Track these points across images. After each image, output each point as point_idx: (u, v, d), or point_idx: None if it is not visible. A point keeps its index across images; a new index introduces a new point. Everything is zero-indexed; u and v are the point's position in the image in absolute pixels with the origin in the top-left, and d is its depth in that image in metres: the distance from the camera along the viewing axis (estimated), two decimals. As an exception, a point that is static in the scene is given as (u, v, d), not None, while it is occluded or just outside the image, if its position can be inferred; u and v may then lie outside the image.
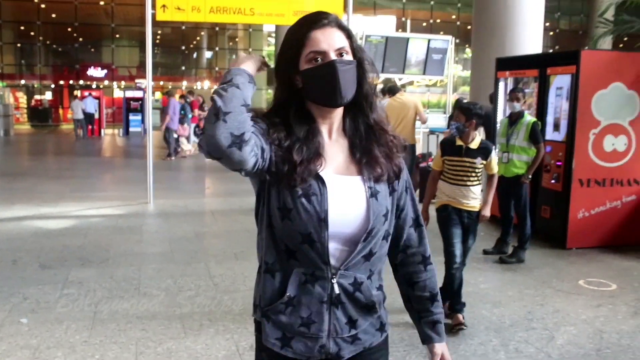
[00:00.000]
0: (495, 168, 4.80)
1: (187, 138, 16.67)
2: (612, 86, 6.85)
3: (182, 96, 17.56)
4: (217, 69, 36.72)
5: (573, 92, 6.80)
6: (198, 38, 37.32)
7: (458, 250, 4.62)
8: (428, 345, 1.83)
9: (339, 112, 1.69)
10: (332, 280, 1.63)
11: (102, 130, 25.77)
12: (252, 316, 1.76)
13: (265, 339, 1.68)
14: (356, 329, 1.69)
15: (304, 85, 1.64)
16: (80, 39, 35.22)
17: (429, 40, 22.11)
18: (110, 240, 6.96)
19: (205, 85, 36.34)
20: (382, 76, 24.02)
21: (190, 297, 5.07)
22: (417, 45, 21.91)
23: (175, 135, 15.90)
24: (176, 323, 4.47)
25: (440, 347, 1.82)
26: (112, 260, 6.10)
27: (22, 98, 33.88)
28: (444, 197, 4.71)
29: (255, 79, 1.60)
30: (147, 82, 9.77)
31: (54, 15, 34.48)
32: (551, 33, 40.56)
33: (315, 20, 1.64)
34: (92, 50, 36.58)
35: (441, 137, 9.37)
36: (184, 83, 36.16)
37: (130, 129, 25.09)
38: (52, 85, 35.53)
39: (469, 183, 4.63)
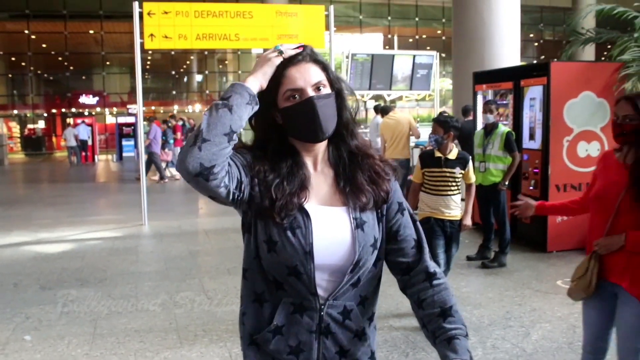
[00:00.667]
0: (472, 177, 5.09)
1: (172, 162, 16.86)
2: (582, 95, 7.18)
3: (164, 121, 17.86)
4: (207, 92, 37.11)
5: (545, 102, 7.12)
6: (188, 62, 37.74)
7: (441, 260, 4.91)
8: None
9: (323, 144, 1.68)
10: (321, 312, 1.62)
11: (96, 157, 26.02)
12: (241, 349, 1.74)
13: None
14: (346, 358, 1.67)
15: (284, 121, 1.64)
16: (71, 68, 35.55)
17: (414, 56, 22.53)
18: (107, 261, 7.21)
19: (196, 108, 36.70)
20: (370, 93, 24.49)
21: (186, 310, 5.33)
22: (403, 62, 22.33)
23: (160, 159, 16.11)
24: (172, 334, 4.73)
25: None
26: (110, 280, 6.35)
27: (15, 127, 34.13)
28: (427, 209, 4.97)
29: (257, 98, 1.58)
30: (138, 107, 10.08)
31: (44, 46, 34.89)
32: (535, 44, 41.21)
33: (291, 57, 1.62)
34: (84, 78, 36.94)
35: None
36: (175, 107, 36.49)
37: (124, 154, 25.34)
38: (45, 114, 35.82)
39: (450, 192, 4.90)
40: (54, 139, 34.35)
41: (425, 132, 11.59)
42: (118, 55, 35.58)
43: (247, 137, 1.75)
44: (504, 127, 6.74)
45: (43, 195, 14.69)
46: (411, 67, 22.33)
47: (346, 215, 1.64)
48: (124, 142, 25.49)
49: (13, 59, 35.39)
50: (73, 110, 34.77)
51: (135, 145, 24.74)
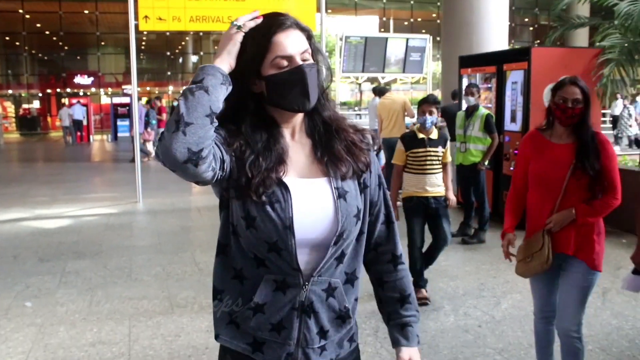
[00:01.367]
0: (449, 156, 5.34)
1: (153, 142, 17.15)
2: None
3: (148, 101, 18.09)
4: (202, 73, 37.16)
5: (526, 86, 7.40)
6: (183, 43, 37.76)
7: (418, 236, 5.14)
8: (396, 348, 1.74)
9: (301, 114, 1.64)
10: (305, 288, 1.57)
11: (91, 137, 26.21)
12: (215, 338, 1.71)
13: (237, 345, 1.64)
14: (326, 339, 1.64)
15: (268, 90, 1.57)
16: (66, 48, 35.60)
17: (407, 40, 22.79)
18: (102, 236, 7.50)
19: (191, 89, 36.73)
20: (364, 75, 24.69)
21: (177, 280, 5.62)
22: (396, 45, 22.58)
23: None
24: (164, 301, 5.02)
25: (407, 352, 1.72)
26: (105, 253, 6.64)
27: (10, 107, 34.23)
28: (411, 188, 5.16)
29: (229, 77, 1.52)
30: (133, 88, 10.31)
31: (39, 25, 34.83)
32: (531, 28, 41.36)
33: (278, 23, 1.56)
34: (78, 58, 37.00)
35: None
36: (170, 88, 36.61)
37: (119, 134, 25.52)
38: (40, 94, 35.90)
39: (434, 171, 5.12)
40: (49, 119, 34.50)
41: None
42: (113, 36, 35.59)
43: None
44: (484, 110, 7.01)
45: (39, 174, 14.94)
46: (404, 50, 22.58)
47: (327, 185, 1.60)
48: (119, 123, 25.63)
49: (7, 38, 35.35)
50: (68, 90, 34.89)
51: (130, 126, 24.94)
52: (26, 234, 7.63)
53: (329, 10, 35.76)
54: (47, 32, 34.89)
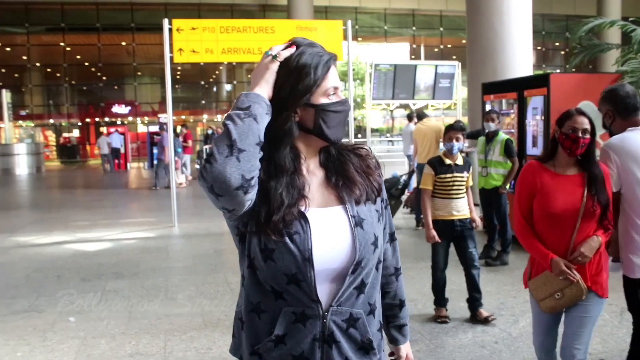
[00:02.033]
0: (471, 181, 5.55)
1: (180, 168, 17.70)
2: (581, 104, 7.61)
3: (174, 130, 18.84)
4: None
5: (546, 111, 7.61)
6: (217, 72, 38.71)
7: (442, 259, 5.34)
8: (395, 346, 1.92)
9: (319, 146, 1.66)
10: (325, 319, 1.55)
11: (128, 164, 26.96)
12: None
13: None
14: None
15: (316, 119, 1.57)
16: (104, 78, 36.85)
17: (436, 66, 23.01)
18: (140, 258, 7.88)
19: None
20: (395, 102, 25.02)
21: (210, 299, 5.94)
22: (425, 72, 22.81)
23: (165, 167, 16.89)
24: (198, 318, 5.34)
25: (405, 348, 1.91)
26: (142, 274, 7.01)
27: (51, 136, 35.48)
28: (437, 212, 5.32)
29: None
30: (168, 117, 10.80)
31: (78, 57, 36.17)
32: (562, 52, 41.30)
33: (330, 55, 1.60)
34: (116, 88, 38.19)
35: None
36: (205, 116, 37.44)
37: (155, 162, 26.16)
38: (79, 123, 37.13)
39: (459, 196, 5.32)
40: (87, 147, 35.56)
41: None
42: (149, 66, 36.69)
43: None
44: (503, 135, 7.25)
45: (79, 200, 15.53)
46: (433, 76, 22.78)
47: (344, 214, 1.60)
48: (155, 150, 26.28)
49: (49, 70, 36.73)
50: (106, 119, 36.05)
51: (160, 153, 25.64)
52: (68, 256, 8.06)
53: (360, 39, 36.40)
54: (86, 64, 36.21)
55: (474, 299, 5.29)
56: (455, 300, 5.62)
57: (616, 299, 5.58)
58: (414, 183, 10.02)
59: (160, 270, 7.20)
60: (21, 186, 20.41)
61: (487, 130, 7.30)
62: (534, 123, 7.99)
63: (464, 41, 39.09)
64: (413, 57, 36.34)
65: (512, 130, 8.34)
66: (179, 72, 34.66)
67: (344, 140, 1.73)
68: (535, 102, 7.93)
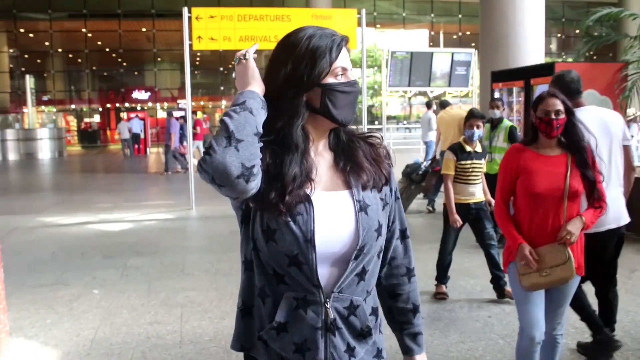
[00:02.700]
0: (485, 166, 5.74)
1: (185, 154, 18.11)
2: (586, 92, 7.79)
3: (183, 117, 19.27)
4: (254, 87, 38.25)
5: (551, 99, 7.84)
6: (235, 59, 38.97)
7: (451, 240, 5.61)
8: (409, 356, 1.80)
9: (329, 129, 1.66)
10: (326, 305, 1.54)
11: (148, 149, 27.48)
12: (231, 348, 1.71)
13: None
14: (355, 357, 1.61)
15: (322, 99, 1.56)
16: (125, 64, 37.38)
17: (452, 54, 23.12)
18: (159, 237, 8.27)
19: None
20: (412, 90, 25.18)
21: (225, 275, 6.30)
22: (442, 59, 22.90)
23: (173, 152, 17.44)
24: (212, 292, 5.70)
25: (420, 359, 1.81)
26: (161, 252, 7.39)
27: (73, 121, 36.17)
28: (455, 196, 5.48)
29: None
30: (187, 103, 11.17)
31: (99, 43, 36.68)
32: (583, 40, 41.01)
33: (342, 36, 1.61)
34: (136, 74, 38.72)
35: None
36: (224, 102, 37.84)
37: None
38: (100, 109, 37.75)
39: (477, 181, 5.51)
40: (108, 132, 36.16)
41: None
42: (169, 52, 37.10)
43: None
44: (507, 122, 7.50)
45: (100, 183, 16.00)
46: (450, 64, 22.87)
47: (349, 198, 1.59)
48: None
49: (70, 56, 37.31)
50: (126, 104, 36.59)
51: (181, 139, 26.10)
52: (91, 235, 8.48)
53: (378, 25, 36.49)
54: (107, 50, 36.69)
55: (497, 278, 5.43)
56: (455, 279, 5.92)
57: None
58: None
59: (178, 249, 7.58)
60: (44, 170, 21.00)
61: (492, 117, 7.55)
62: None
63: (482, 28, 38.57)
64: (431, 44, 36.35)
65: (519, 118, 8.59)
66: (198, 59, 35.03)
67: (357, 127, 1.75)
68: (541, 90, 8.13)
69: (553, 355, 3.38)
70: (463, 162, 5.47)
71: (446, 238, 5.63)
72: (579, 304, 4.04)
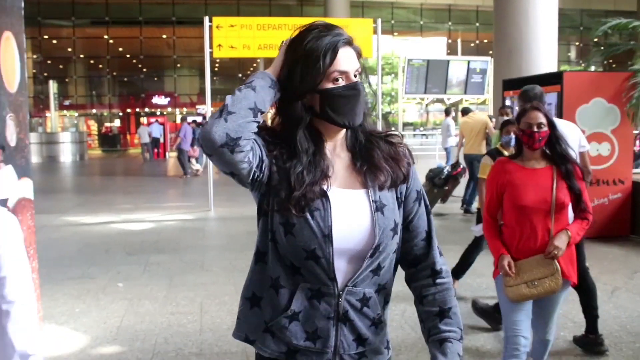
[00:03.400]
0: None
1: (197, 159, 18.75)
2: (593, 101, 8.10)
3: (194, 121, 19.98)
4: (272, 94, 38.71)
5: (559, 107, 8.08)
6: (254, 65, 39.45)
7: (484, 243, 5.73)
8: None
9: (344, 129, 1.67)
10: (340, 298, 1.58)
11: (167, 153, 27.94)
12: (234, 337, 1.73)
13: (271, 352, 1.64)
14: (364, 346, 1.65)
15: (321, 104, 1.58)
16: (145, 70, 38.00)
17: (468, 62, 23.42)
18: (179, 236, 8.62)
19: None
20: (426, 97, 25.42)
21: (242, 271, 6.59)
22: (458, 67, 23.23)
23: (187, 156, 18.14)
24: (230, 286, 6.01)
25: None
26: (182, 250, 7.73)
27: (94, 126, 36.81)
28: None
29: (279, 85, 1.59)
30: (207, 108, 11.55)
31: (121, 49, 37.37)
32: (602, 47, 40.97)
33: (340, 38, 1.57)
34: (156, 79, 39.31)
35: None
36: (241, 108, 38.20)
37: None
38: (120, 113, 38.44)
39: None
40: (128, 137, 36.74)
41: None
42: (188, 59, 37.67)
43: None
44: (516, 128, 7.74)
45: (121, 186, 16.45)
46: (466, 72, 23.17)
47: (365, 198, 1.61)
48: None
49: (92, 61, 38.03)
50: (146, 110, 37.17)
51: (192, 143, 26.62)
52: (114, 234, 8.85)
53: (395, 33, 36.79)
54: (128, 56, 37.36)
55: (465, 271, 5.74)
56: (465, 277, 6.18)
57: (611, 280, 6.12)
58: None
59: (198, 247, 7.91)
60: (66, 172, 21.52)
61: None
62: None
63: (499, 37, 38.56)
64: (449, 51, 36.56)
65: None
66: (217, 65, 35.53)
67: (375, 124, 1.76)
68: (549, 98, 8.39)
69: (544, 349, 3.46)
70: None
71: (479, 240, 5.85)
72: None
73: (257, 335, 1.66)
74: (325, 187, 1.58)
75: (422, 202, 1.72)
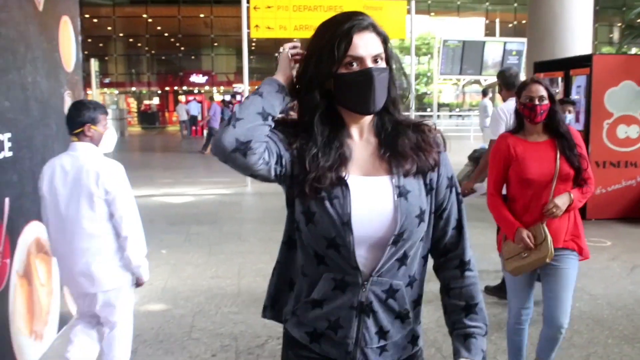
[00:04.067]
0: None
1: None
2: (622, 84, 8.23)
3: (223, 101, 20.43)
4: (307, 73, 38.97)
5: (588, 89, 8.24)
6: (290, 44, 39.71)
7: None
8: (455, 359, 1.66)
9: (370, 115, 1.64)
10: (364, 288, 1.57)
11: (205, 131, 28.48)
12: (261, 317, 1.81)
13: (297, 332, 1.68)
14: (386, 340, 1.63)
15: (335, 89, 1.58)
16: (183, 49, 38.54)
17: (504, 43, 23.32)
18: (217, 209, 9.09)
19: (296, 88, 38.67)
20: (462, 77, 25.41)
21: (277, 242, 6.89)
22: (493, 48, 23.16)
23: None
24: (266, 255, 6.38)
25: None
26: (220, 222, 8.18)
27: (133, 103, 37.60)
28: None
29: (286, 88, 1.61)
30: (245, 87, 11.94)
31: (159, 28, 37.90)
32: (625, 33, 40.08)
33: (356, 23, 1.55)
34: (193, 58, 39.85)
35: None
36: (277, 87, 38.54)
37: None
38: (159, 91, 39.09)
39: None
40: (166, 114, 37.45)
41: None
42: (225, 37, 38.03)
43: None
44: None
45: (161, 162, 17.03)
46: (502, 53, 23.08)
47: (388, 183, 1.58)
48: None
49: (131, 40, 38.67)
50: (184, 88, 37.76)
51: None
52: (156, 206, 9.34)
53: (432, 13, 36.60)
54: (166, 35, 37.89)
55: None
56: (485, 252, 6.43)
57: (631, 258, 6.34)
58: None
59: (235, 219, 8.34)
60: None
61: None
62: (577, 100, 8.61)
63: (537, 17, 38.09)
64: (487, 32, 36.23)
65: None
66: (254, 44, 35.84)
67: (408, 114, 1.73)
68: (579, 80, 8.56)
69: (553, 344, 3.32)
70: None
71: None
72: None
73: (288, 315, 1.70)
74: (343, 174, 1.57)
75: (454, 189, 1.68)
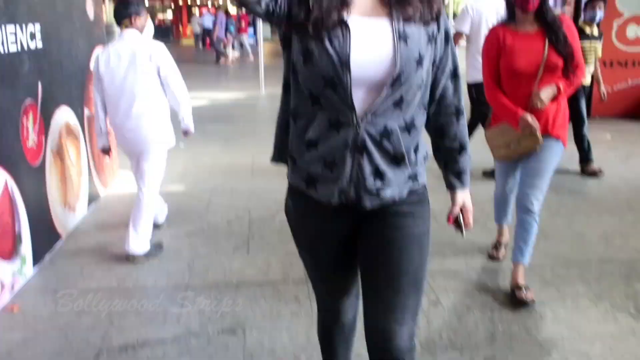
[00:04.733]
0: (600, 52, 5.85)
1: (232, 46, 20.08)
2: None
3: (226, 12, 20.82)
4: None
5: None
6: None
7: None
8: (451, 192, 1.85)
9: None
10: (358, 127, 1.57)
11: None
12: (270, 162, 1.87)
13: (293, 178, 1.73)
14: (382, 180, 1.64)
15: None
16: (196, -39, 37.77)
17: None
18: (233, 110, 9.48)
19: None
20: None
21: (288, 136, 7.35)
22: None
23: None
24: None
25: (461, 195, 1.84)
26: (235, 120, 8.56)
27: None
28: None
29: None
30: None
31: (173, -60, 37.06)
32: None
33: None
34: (208, -30, 39.12)
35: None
36: None
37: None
38: (172, 5, 38.63)
39: (589, 62, 5.61)
40: (180, 28, 37.23)
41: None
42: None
43: None
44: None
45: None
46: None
47: (388, 26, 1.57)
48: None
49: (144, -48, 37.86)
50: (197, 1, 37.28)
51: (255, 33, 26.94)
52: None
53: None
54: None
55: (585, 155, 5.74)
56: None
57: (627, 146, 6.54)
58: None
59: (250, 119, 8.71)
60: (124, 60, 22.38)
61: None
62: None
63: None
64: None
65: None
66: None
67: None
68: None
69: (526, 235, 3.27)
70: (581, 42, 5.41)
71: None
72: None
73: (286, 159, 1.77)
74: (344, 14, 1.55)
75: (450, 42, 1.71)
